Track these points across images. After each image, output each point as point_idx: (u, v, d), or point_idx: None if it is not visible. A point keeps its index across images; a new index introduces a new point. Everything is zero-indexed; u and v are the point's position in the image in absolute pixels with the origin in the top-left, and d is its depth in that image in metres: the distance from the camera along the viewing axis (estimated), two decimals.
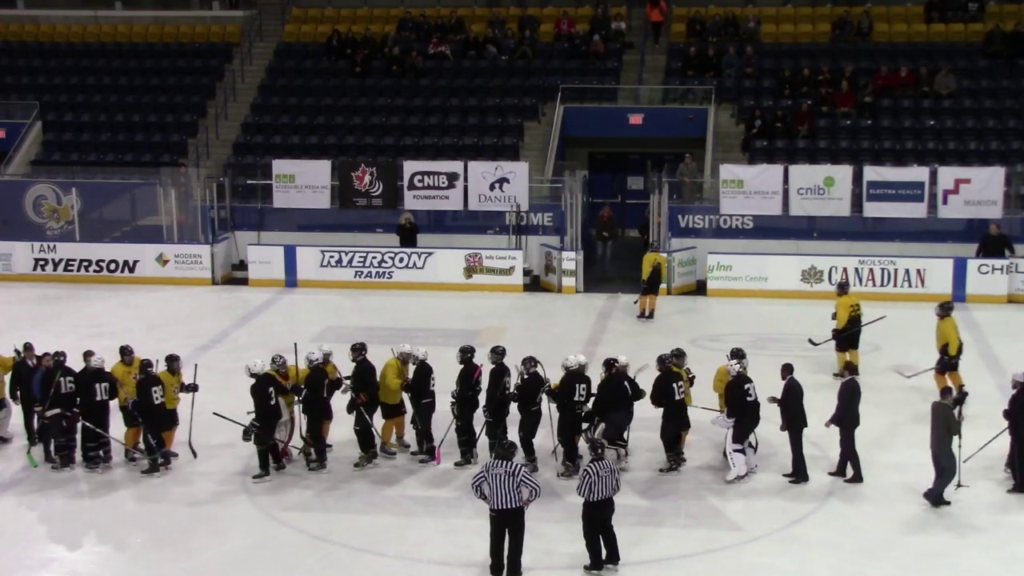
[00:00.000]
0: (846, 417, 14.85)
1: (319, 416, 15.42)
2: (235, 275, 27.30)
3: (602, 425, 15.09)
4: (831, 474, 15.02)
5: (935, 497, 14.10)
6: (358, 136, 30.96)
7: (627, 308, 24.16)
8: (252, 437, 15.08)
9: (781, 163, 26.95)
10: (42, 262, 27.11)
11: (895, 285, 24.75)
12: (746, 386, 14.87)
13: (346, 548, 13.26)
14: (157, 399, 15.22)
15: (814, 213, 26.23)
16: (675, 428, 15.26)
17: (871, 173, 26.04)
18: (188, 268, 26.75)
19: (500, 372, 15.31)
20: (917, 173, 26.12)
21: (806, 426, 14.98)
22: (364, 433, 15.48)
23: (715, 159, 28.46)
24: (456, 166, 27.27)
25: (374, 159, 28.69)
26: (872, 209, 25.95)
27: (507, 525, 12.16)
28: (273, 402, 15.08)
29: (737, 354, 15.36)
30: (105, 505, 14.57)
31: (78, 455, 15.60)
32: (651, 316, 23.20)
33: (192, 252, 26.87)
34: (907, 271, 24.73)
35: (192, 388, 15.76)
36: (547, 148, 29.79)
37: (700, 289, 25.65)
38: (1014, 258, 24.68)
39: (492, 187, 26.73)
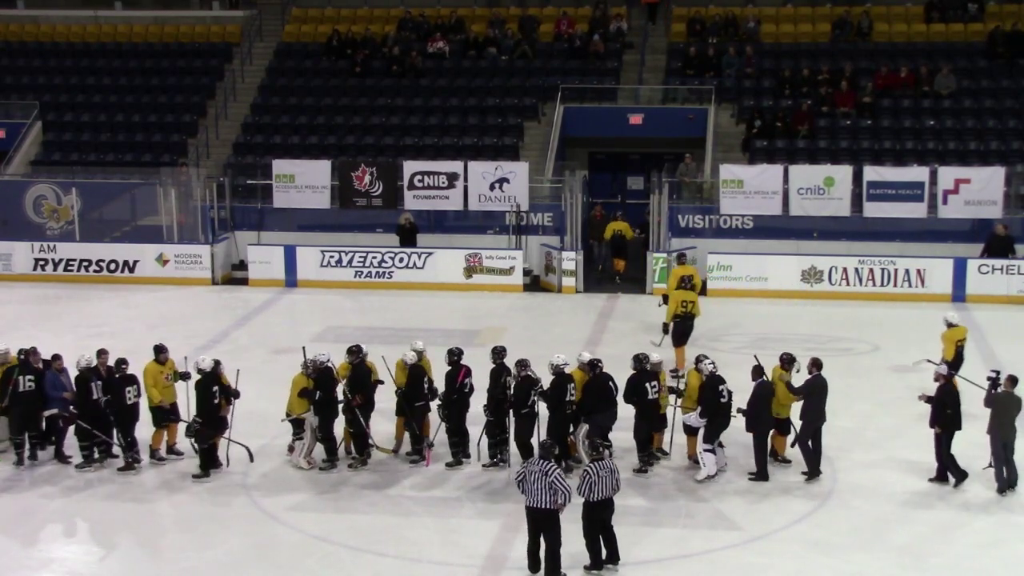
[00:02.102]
0: (809, 413, 14.83)
1: (330, 416, 15.42)
2: (235, 275, 27.28)
3: (585, 426, 15.05)
4: (803, 474, 15.00)
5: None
6: (358, 136, 30.96)
7: (627, 308, 24.16)
8: (194, 435, 15.07)
9: (781, 163, 26.94)
10: (42, 262, 27.09)
11: (895, 285, 24.75)
12: (720, 387, 14.87)
13: (346, 548, 13.26)
14: (130, 399, 15.22)
15: (814, 213, 26.19)
16: (648, 428, 15.28)
17: (871, 173, 26.03)
18: (188, 268, 26.74)
19: (500, 372, 15.29)
20: (917, 173, 26.11)
21: (771, 428, 15.00)
22: (359, 435, 15.48)
23: (715, 159, 28.43)
24: (456, 166, 27.25)
25: (374, 159, 28.68)
26: (872, 209, 25.92)
27: (541, 526, 12.17)
28: (216, 401, 15.07)
29: (788, 359, 15.23)
30: (105, 505, 14.55)
31: (73, 456, 15.57)
32: (620, 277, 26.13)
33: (192, 252, 26.86)
34: (907, 271, 24.72)
35: (234, 394, 15.53)
36: (547, 148, 29.77)
37: (700, 289, 25.58)
38: (1015, 259, 24.68)
39: (492, 187, 26.72)
